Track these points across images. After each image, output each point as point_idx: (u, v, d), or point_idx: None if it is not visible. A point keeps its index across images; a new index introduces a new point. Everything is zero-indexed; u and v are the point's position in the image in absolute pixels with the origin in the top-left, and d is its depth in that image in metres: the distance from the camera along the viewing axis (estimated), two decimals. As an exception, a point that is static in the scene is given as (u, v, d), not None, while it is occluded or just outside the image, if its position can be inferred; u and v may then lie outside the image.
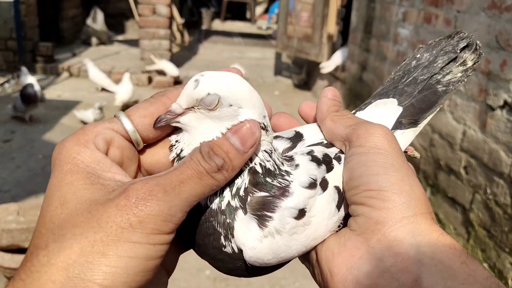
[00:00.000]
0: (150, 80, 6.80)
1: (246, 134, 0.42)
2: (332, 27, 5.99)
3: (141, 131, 0.44)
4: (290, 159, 0.46)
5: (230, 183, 0.42)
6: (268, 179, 0.43)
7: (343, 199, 0.46)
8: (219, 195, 0.43)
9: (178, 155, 0.44)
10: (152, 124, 0.44)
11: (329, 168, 0.46)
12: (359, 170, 0.43)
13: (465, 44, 0.55)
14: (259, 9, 14.86)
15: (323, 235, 0.45)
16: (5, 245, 2.35)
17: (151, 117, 0.44)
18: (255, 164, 0.43)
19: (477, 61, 0.55)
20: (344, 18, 5.90)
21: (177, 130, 0.46)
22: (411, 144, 0.55)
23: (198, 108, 0.43)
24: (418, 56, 0.57)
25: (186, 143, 0.44)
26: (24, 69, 5.58)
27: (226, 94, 0.42)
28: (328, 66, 5.74)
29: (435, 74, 0.55)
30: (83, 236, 0.35)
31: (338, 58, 5.68)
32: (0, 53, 6.93)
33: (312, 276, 0.47)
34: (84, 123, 4.91)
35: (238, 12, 15.13)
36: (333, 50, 5.96)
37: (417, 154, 0.57)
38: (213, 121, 0.43)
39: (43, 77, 6.84)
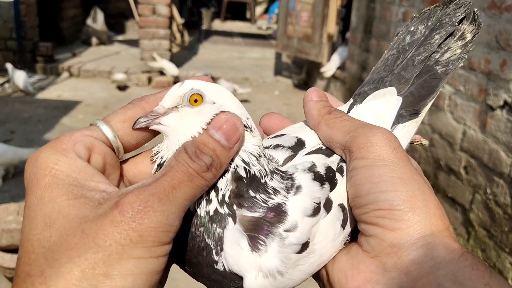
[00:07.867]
0: (150, 80, 6.80)
1: (229, 130, 0.40)
2: (332, 27, 5.99)
3: (122, 136, 0.42)
4: (290, 178, 0.43)
5: (214, 185, 0.41)
6: (251, 192, 0.41)
7: (348, 216, 0.44)
8: (206, 198, 0.41)
9: (159, 165, 0.42)
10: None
11: (333, 186, 0.43)
12: (366, 186, 0.40)
13: (463, 14, 0.49)
14: (259, 9, 14.86)
15: (329, 257, 0.43)
16: (5, 245, 2.35)
17: (131, 121, 0.42)
18: (237, 166, 0.41)
19: (477, 33, 0.50)
20: (344, 18, 5.90)
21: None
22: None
23: (181, 106, 0.42)
24: (412, 29, 0.51)
25: (165, 149, 0.42)
26: (9, 65, 5.78)
27: (210, 92, 0.43)
28: (329, 69, 5.74)
29: (433, 53, 0.50)
30: (81, 258, 0.33)
31: (337, 59, 5.68)
32: (0, 53, 6.93)
33: None
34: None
35: (238, 12, 15.12)
36: (333, 50, 5.96)
37: (425, 142, 0.54)
38: (195, 118, 0.41)
39: (43, 77, 6.84)
